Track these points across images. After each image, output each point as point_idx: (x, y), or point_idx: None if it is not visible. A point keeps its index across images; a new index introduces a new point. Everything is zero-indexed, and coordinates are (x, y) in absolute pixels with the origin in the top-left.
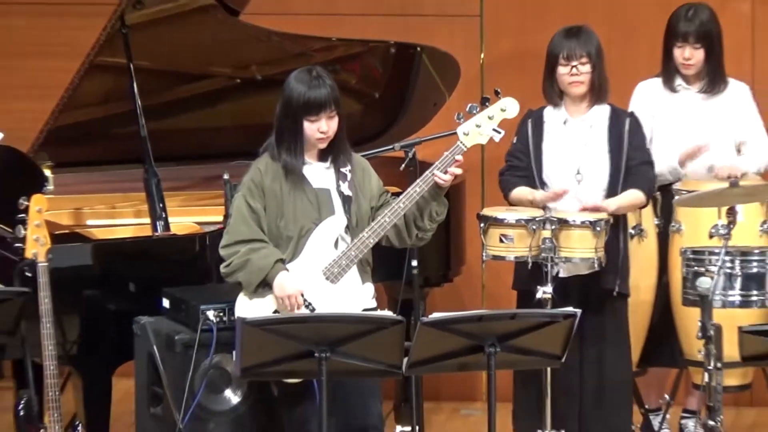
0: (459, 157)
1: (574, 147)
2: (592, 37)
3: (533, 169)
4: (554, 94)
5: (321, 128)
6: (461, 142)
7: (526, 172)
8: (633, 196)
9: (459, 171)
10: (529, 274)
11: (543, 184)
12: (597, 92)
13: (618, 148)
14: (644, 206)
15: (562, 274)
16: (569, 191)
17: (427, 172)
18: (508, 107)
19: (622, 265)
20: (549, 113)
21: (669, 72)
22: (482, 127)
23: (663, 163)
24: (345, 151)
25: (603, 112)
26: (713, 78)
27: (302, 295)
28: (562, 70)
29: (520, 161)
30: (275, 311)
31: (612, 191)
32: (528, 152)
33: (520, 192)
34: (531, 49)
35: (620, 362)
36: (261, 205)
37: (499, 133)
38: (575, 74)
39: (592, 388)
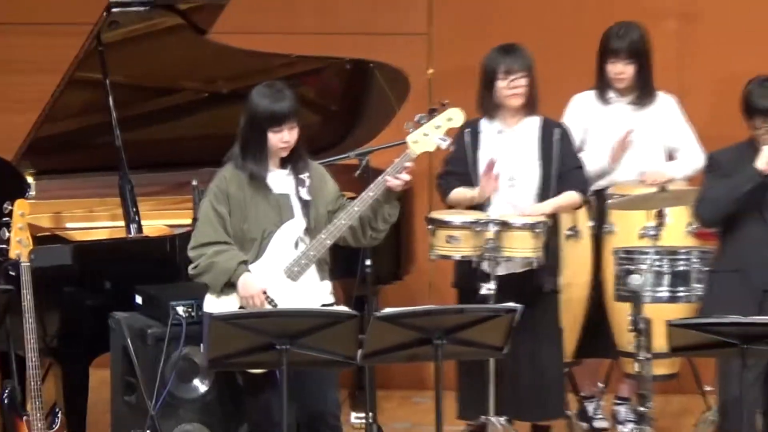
0: (409, 164)
1: (508, 155)
2: (526, 54)
3: (471, 175)
4: (490, 106)
5: (284, 138)
6: (410, 150)
7: (463, 177)
8: (568, 197)
9: (408, 177)
10: (468, 272)
11: None
12: (531, 104)
13: (548, 156)
14: (579, 207)
15: (500, 272)
16: (495, 160)
17: (379, 177)
18: (454, 117)
19: (554, 264)
20: (484, 124)
21: (602, 85)
22: (429, 136)
23: (593, 165)
24: (304, 159)
25: (534, 122)
26: (643, 91)
27: (265, 293)
28: (501, 84)
29: (457, 167)
30: (240, 307)
31: (543, 196)
32: (465, 159)
33: (458, 192)
34: (474, 64)
35: (553, 353)
36: (226, 209)
37: (445, 140)
38: (514, 87)
39: (529, 378)
